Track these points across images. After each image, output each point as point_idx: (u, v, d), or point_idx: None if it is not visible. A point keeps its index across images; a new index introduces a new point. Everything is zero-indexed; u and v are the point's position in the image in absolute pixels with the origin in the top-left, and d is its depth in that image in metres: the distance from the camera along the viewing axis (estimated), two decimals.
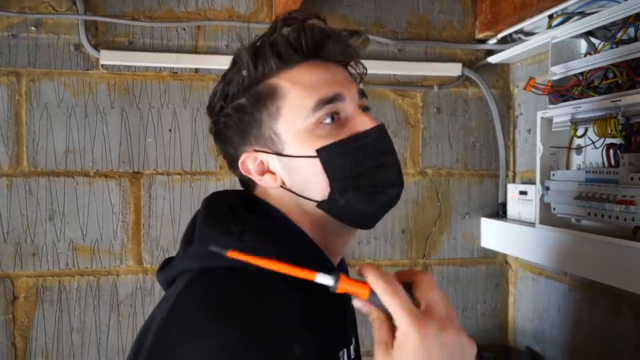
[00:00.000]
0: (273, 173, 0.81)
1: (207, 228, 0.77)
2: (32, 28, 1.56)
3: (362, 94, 0.82)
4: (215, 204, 0.82)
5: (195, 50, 1.65)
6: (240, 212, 0.80)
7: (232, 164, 0.86)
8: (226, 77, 0.82)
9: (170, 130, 1.64)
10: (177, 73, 1.64)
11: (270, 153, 0.80)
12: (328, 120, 0.77)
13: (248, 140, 0.81)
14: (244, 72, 0.79)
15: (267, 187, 0.82)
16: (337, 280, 0.64)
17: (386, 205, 0.82)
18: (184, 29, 1.64)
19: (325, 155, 0.77)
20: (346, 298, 0.82)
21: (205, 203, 0.83)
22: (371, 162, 0.79)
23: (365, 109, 0.83)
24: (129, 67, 1.61)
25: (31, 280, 1.57)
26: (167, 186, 1.64)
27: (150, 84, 1.63)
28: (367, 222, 0.83)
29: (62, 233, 1.59)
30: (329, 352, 0.77)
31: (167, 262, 0.84)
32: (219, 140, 0.86)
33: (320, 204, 0.79)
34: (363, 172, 0.78)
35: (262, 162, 0.81)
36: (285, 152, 0.78)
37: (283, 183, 0.80)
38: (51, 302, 1.58)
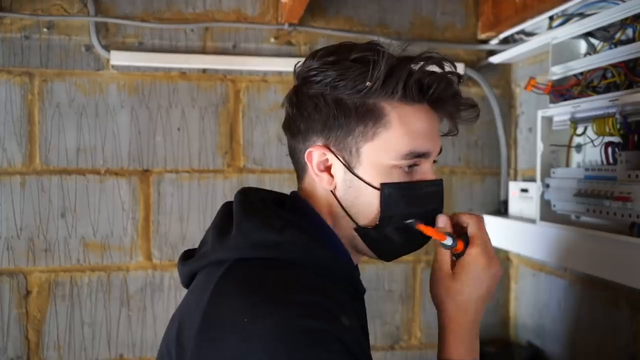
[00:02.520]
0: (332, 176, 0.84)
1: (247, 220, 0.81)
2: (45, 29, 1.60)
3: (440, 151, 0.87)
4: (250, 198, 0.86)
5: (203, 51, 1.68)
6: (274, 208, 0.84)
7: (296, 136, 0.86)
8: (343, 66, 0.80)
9: (178, 129, 1.68)
10: (185, 73, 1.68)
11: (341, 161, 0.83)
12: (407, 169, 0.82)
13: (329, 136, 0.82)
14: (368, 83, 0.79)
15: (319, 184, 0.85)
16: (455, 241, 0.84)
17: (413, 248, 0.88)
18: (192, 30, 1.68)
19: (387, 190, 0.81)
20: (362, 302, 0.88)
21: (240, 196, 0.86)
22: (421, 209, 0.84)
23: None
24: (138, 67, 1.65)
25: (44, 275, 1.61)
26: (175, 184, 1.68)
27: (159, 84, 1.67)
28: (390, 257, 0.89)
29: (74, 229, 1.63)
30: (358, 331, 0.81)
31: (189, 255, 0.88)
32: (298, 110, 0.85)
33: (358, 229, 0.84)
34: (410, 216, 0.83)
35: (327, 160, 0.84)
36: (355, 171, 0.82)
37: (335, 189, 0.84)
38: (63, 297, 1.62)
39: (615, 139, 1.26)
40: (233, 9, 1.70)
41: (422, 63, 0.82)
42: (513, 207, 1.76)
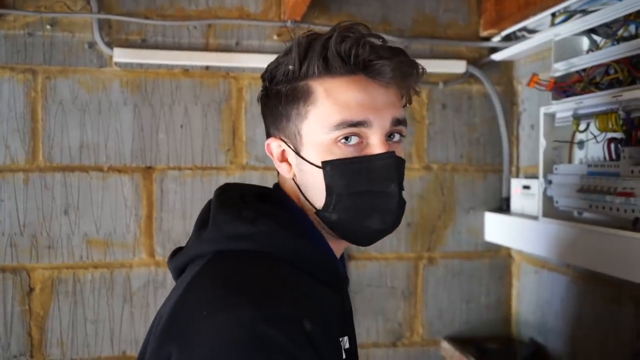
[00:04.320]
0: (290, 164, 0.86)
1: (221, 213, 0.82)
2: (48, 27, 1.60)
3: (397, 122, 0.82)
4: (228, 192, 0.87)
5: (206, 48, 1.69)
6: (252, 201, 0.85)
7: (267, 134, 0.90)
8: (279, 59, 0.84)
9: (181, 126, 1.68)
10: (188, 70, 1.68)
11: (290, 147, 0.84)
12: (344, 141, 0.80)
13: (279, 126, 0.86)
14: (290, 67, 0.81)
15: (284, 174, 0.87)
16: None
17: (378, 232, 0.84)
18: (195, 27, 1.68)
19: (328, 169, 0.80)
20: (344, 292, 0.86)
21: (218, 191, 0.88)
22: (369, 186, 0.81)
23: (398, 135, 0.84)
24: (141, 64, 1.65)
25: (47, 272, 1.61)
26: (178, 181, 1.68)
27: (162, 81, 1.67)
28: (359, 241, 0.87)
29: (77, 226, 1.63)
30: (333, 335, 0.80)
31: (178, 251, 0.89)
32: (261, 110, 0.90)
33: (318, 212, 0.83)
34: (359, 194, 0.81)
35: (284, 151, 0.86)
36: (301, 154, 0.83)
37: (295, 177, 0.86)
38: (66, 294, 1.62)
39: (618, 135, 1.27)
40: (236, 6, 1.70)
41: (335, 34, 0.79)
42: (515, 204, 1.76)
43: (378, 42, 0.81)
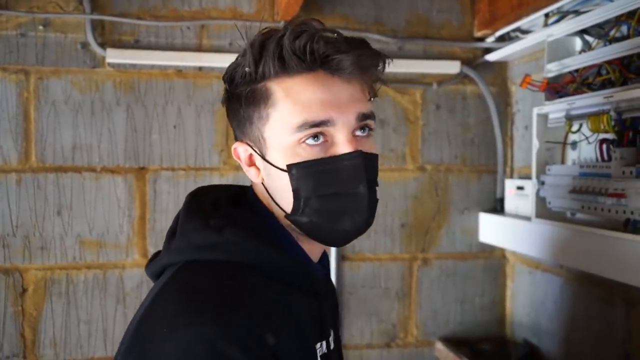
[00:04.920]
0: (258, 169, 0.83)
1: (188, 222, 0.80)
2: (40, 27, 1.60)
3: (362, 117, 0.79)
4: (198, 198, 0.85)
5: (199, 49, 1.68)
6: (224, 207, 0.83)
7: (235, 140, 0.88)
8: (237, 61, 0.81)
9: (174, 126, 1.68)
10: (181, 71, 1.68)
11: (256, 152, 0.82)
12: (310, 142, 0.77)
13: (243, 130, 0.83)
14: (247, 69, 0.78)
15: (251, 179, 0.85)
16: None
17: (350, 233, 0.81)
18: (188, 27, 1.68)
19: (294, 172, 0.77)
20: (324, 293, 0.85)
21: (188, 198, 0.86)
22: (337, 187, 0.78)
23: (366, 129, 0.81)
24: (134, 65, 1.65)
25: (40, 273, 1.61)
26: (171, 181, 1.68)
27: (156, 82, 1.67)
28: (333, 243, 0.85)
29: (70, 227, 1.63)
30: (306, 342, 0.79)
31: (155, 256, 0.87)
32: (227, 113, 0.87)
33: (287, 216, 0.81)
34: (327, 196, 0.78)
35: (251, 155, 0.83)
36: (267, 158, 0.80)
37: (263, 181, 0.83)
38: (59, 295, 1.62)
39: (610, 135, 1.26)
40: (229, 7, 1.70)
41: (289, 32, 0.76)
42: (509, 205, 1.76)
43: (333, 36, 0.77)
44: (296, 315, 0.77)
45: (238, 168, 1.70)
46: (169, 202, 1.68)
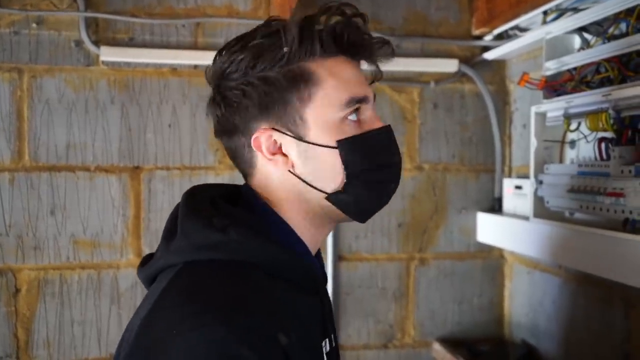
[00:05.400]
0: (285, 155, 0.80)
1: (189, 222, 0.77)
2: (34, 25, 1.58)
3: (374, 98, 0.86)
4: (196, 197, 0.82)
5: (194, 47, 1.67)
6: (223, 206, 0.80)
7: (233, 134, 0.82)
8: (253, 45, 0.79)
9: (169, 125, 1.66)
10: (176, 69, 1.66)
11: (289, 135, 0.79)
12: (353, 117, 0.80)
13: (268, 115, 0.79)
14: (285, 49, 0.78)
15: (275, 169, 0.81)
16: None
17: (386, 201, 0.86)
18: (184, 25, 1.66)
19: (345, 147, 0.79)
20: (322, 293, 0.84)
21: (186, 197, 0.83)
22: (382, 158, 0.83)
23: None
24: (129, 63, 1.63)
25: (33, 273, 1.60)
26: (166, 181, 1.66)
27: (150, 80, 1.65)
28: (367, 216, 0.86)
29: (64, 227, 1.61)
30: (313, 341, 0.78)
31: (148, 259, 0.84)
32: (229, 105, 0.81)
33: (330, 196, 0.80)
34: (375, 168, 0.82)
35: (275, 142, 0.80)
36: (307, 139, 0.79)
37: (293, 168, 0.80)
38: (53, 295, 1.61)
39: (609, 134, 1.25)
40: (224, 4, 1.68)
41: (326, 16, 0.80)
42: (507, 204, 1.75)
43: (364, 25, 0.83)
44: (302, 314, 0.76)
45: (233, 167, 1.68)
46: (164, 201, 1.66)
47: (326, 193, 0.80)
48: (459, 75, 1.80)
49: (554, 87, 1.40)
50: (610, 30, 1.27)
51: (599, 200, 1.19)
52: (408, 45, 1.79)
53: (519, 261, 1.79)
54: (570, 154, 1.47)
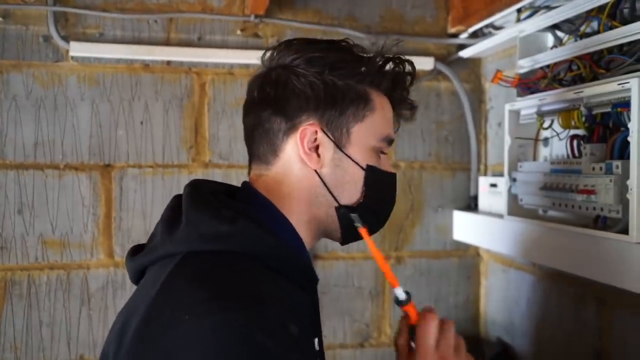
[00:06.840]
0: (319, 155, 0.85)
1: (196, 212, 0.79)
2: (0, 19, 1.54)
3: None
4: (200, 190, 0.84)
5: (167, 43, 1.64)
6: (226, 200, 0.83)
7: (276, 114, 0.85)
8: (343, 52, 0.88)
9: (141, 122, 1.63)
10: (148, 65, 1.63)
11: (332, 140, 0.85)
12: (383, 151, 0.90)
13: (322, 115, 0.85)
14: (363, 69, 0.87)
15: (301, 165, 0.85)
16: (408, 301, 0.84)
17: (375, 231, 0.92)
18: (156, 20, 1.63)
19: (370, 173, 0.87)
20: (314, 293, 0.86)
21: (190, 189, 0.84)
22: (387, 197, 0.93)
23: None
24: (99, 59, 1.60)
25: None
26: (138, 179, 1.63)
27: (121, 76, 1.62)
28: (352, 240, 0.91)
29: (32, 226, 1.57)
30: (308, 337, 0.80)
31: (138, 250, 0.85)
32: (290, 89, 0.85)
33: (339, 207, 0.86)
34: (381, 200, 0.91)
35: (315, 140, 0.84)
36: (345, 150, 0.86)
37: (321, 169, 0.85)
38: (20, 297, 1.56)
39: (581, 131, 1.25)
40: (198, 0, 1.66)
41: (396, 61, 0.91)
42: (483, 203, 1.75)
43: (412, 82, 0.95)
44: (300, 310, 0.77)
45: (207, 165, 1.66)
46: (136, 200, 1.63)
47: (338, 204, 0.86)
48: (435, 74, 1.80)
49: (528, 84, 1.40)
50: (582, 28, 1.27)
51: (571, 197, 1.19)
52: (387, 43, 1.77)
53: (495, 259, 1.79)
54: (543, 151, 1.47)
